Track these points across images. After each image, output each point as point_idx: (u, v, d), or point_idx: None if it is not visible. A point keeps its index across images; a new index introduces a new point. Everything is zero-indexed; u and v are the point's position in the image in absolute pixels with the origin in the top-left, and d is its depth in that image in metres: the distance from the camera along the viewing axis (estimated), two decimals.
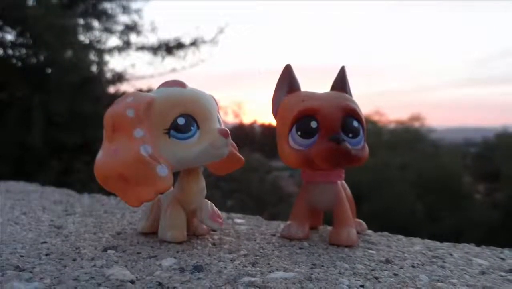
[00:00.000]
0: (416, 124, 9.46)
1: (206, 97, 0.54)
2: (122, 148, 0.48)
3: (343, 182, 0.59)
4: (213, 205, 0.56)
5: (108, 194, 0.94)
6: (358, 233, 0.58)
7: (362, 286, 0.39)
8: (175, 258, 0.45)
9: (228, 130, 0.52)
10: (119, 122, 0.49)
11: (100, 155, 0.50)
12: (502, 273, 0.46)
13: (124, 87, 6.97)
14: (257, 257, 0.47)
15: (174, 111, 0.49)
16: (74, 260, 0.44)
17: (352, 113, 0.52)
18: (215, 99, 0.57)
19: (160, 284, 0.37)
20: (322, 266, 0.45)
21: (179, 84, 0.54)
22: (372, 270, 0.44)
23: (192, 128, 0.50)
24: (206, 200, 0.55)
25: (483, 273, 0.46)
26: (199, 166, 0.54)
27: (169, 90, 0.52)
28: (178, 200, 0.53)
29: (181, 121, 0.49)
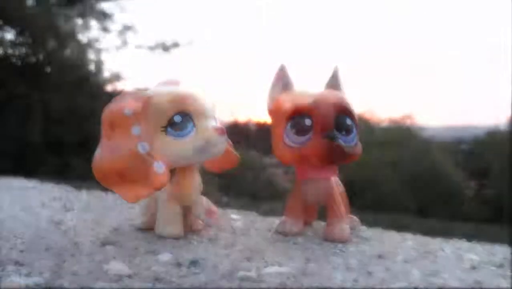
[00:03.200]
0: (408, 122, 9.51)
1: (202, 95, 0.54)
2: (120, 145, 0.48)
3: (337, 178, 0.59)
4: (209, 201, 0.56)
5: (106, 190, 0.94)
6: (351, 229, 0.58)
7: (355, 280, 0.39)
8: (171, 253, 0.45)
9: (224, 128, 0.52)
10: (117, 120, 0.49)
11: (98, 152, 0.50)
12: (493, 268, 0.46)
13: (121, 85, 6.96)
14: (253, 252, 0.47)
15: (170, 109, 0.49)
16: (72, 255, 0.44)
17: (345, 111, 0.52)
18: (210, 100, 0.57)
19: (157, 278, 0.37)
20: (316, 261, 0.45)
21: (175, 83, 0.54)
22: (365, 264, 0.44)
23: (188, 126, 0.50)
24: (202, 196, 0.55)
25: (474, 268, 0.46)
26: (195, 163, 0.54)
27: (165, 88, 0.52)
28: (174, 196, 0.53)
29: (177, 119, 0.49)
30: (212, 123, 0.52)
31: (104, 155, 0.49)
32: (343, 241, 0.53)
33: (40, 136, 5.31)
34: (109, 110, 0.50)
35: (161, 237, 0.52)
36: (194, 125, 0.50)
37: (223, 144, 0.52)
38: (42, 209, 0.71)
